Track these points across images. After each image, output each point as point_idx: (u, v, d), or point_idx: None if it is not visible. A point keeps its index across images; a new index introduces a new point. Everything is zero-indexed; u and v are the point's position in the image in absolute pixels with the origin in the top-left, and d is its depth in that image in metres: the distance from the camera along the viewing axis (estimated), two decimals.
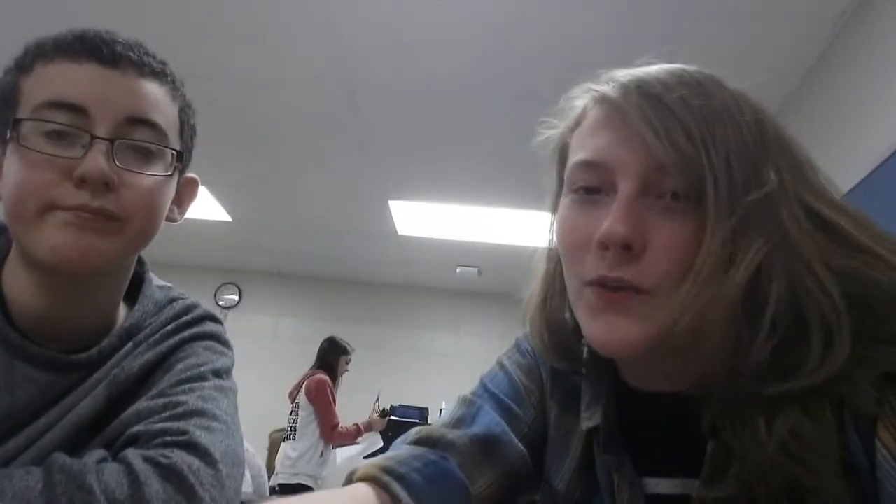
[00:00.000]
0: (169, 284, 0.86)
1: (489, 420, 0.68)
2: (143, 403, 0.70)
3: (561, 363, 0.69)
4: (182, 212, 0.82)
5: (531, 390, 0.72)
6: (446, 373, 5.81)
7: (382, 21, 2.62)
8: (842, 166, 2.17)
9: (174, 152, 0.73)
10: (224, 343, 0.83)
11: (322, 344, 4.49)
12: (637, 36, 2.44)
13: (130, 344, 0.76)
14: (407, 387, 5.56)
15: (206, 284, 6.24)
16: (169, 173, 0.73)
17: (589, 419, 0.64)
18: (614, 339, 0.55)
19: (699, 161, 0.52)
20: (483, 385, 0.74)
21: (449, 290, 6.21)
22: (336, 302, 6.39)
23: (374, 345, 6.16)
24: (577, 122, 0.63)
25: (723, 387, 0.53)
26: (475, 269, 5.55)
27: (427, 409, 5.02)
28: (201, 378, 0.74)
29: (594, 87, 0.61)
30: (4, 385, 0.67)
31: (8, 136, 0.68)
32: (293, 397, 4.27)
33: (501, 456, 0.66)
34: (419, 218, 4.61)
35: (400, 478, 0.59)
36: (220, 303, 6.31)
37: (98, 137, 0.66)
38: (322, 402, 4.09)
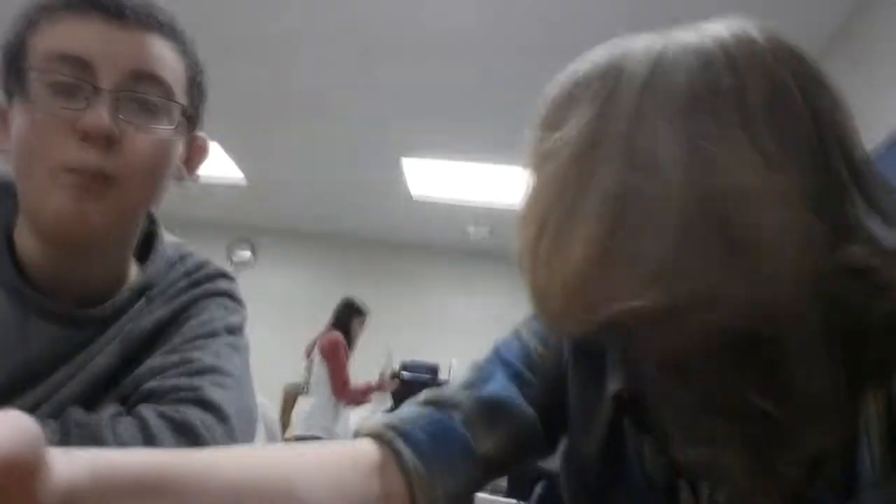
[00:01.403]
0: (180, 240, 0.86)
1: (498, 385, 0.68)
2: (156, 360, 0.71)
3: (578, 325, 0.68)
4: (191, 172, 0.80)
5: (546, 357, 0.71)
6: (457, 332, 5.86)
7: None
8: None
9: (181, 107, 0.72)
10: (237, 300, 0.83)
11: (339, 304, 4.53)
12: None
13: (143, 300, 0.76)
14: (418, 346, 5.61)
15: (218, 241, 6.27)
16: (174, 128, 0.72)
17: (613, 384, 0.63)
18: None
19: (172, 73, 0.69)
20: (496, 351, 0.73)
21: (461, 250, 6.21)
22: (348, 261, 6.41)
23: (386, 304, 6.19)
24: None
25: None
26: (487, 230, 5.54)
27: (438, 365, 5.06)
28: (214, 334, 0.75)
29: None
30: (20, 339, 0.68)
31: (15, 88, 0.68)
32: (308, 354, 4.33)
33: (508, 419, 0.66)
34: (431, 178, 4.59)
35: (403, 434, 0.60)
36: (234, 259, 6.34)
37: (102, 90, 0.66)
38: (335, 360, 4.15)
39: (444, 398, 0.66)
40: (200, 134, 0.80)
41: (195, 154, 0.80)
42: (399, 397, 4.40)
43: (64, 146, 0.65)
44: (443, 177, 4.56)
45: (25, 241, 0.71)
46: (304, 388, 4.22)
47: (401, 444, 0.58)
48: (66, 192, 0.64)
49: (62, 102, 0.65)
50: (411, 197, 5.01)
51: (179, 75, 0.73)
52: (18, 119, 0.67)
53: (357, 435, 0.62)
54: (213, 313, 0.77)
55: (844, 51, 2.44)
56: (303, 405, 4.15)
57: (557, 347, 0.71)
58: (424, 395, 0.67)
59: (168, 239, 0.84)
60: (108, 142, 0.65)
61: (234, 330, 0.78)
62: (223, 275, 0.84)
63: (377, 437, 0.60)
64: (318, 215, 5.94)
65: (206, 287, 0.80)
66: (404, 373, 4.84)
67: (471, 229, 5.61)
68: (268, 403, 2.74)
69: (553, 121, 0.54)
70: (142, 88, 0.69)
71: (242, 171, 4.89)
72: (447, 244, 6.17)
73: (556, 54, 0.66)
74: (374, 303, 6.18)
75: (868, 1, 2.21)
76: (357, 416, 4.30)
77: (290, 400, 4.49)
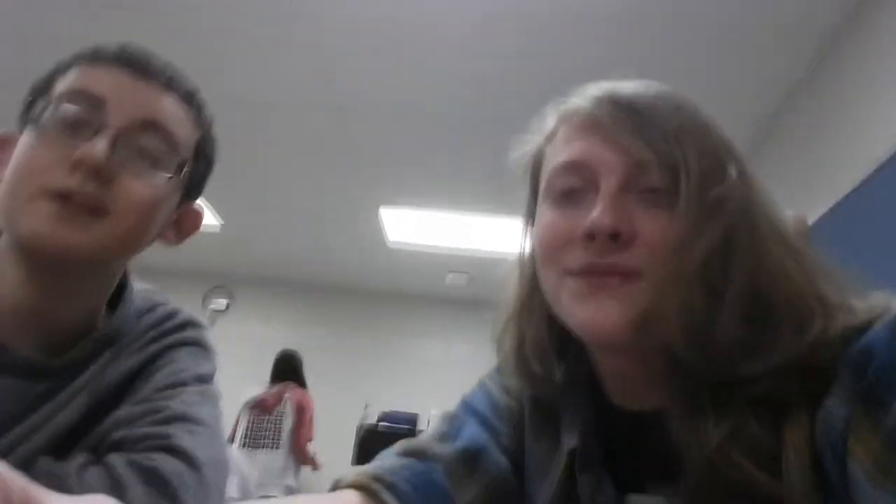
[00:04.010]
0: (150, 287, 0.85)
1: (472, 433, 0.69)
2: (125, 410, 0.69)
3: (533, 386, 0.69)
4: (179, 238, 0.80)
5: (511, 408, 0.73)
6: (437, 381, 5.79)
7: (370, 42, 2.63)
8: (827, 181, 2.20)
9: (181, 163, 0.72)
10: (207, 348, 0.82)
11: (295, 358, 4.50)
12: (633, 59, 2.47)
13: (111, 351, 0.74)
14: (397, 394, 5.55)
15: (195, 289, 6.20)
16: (170, 177, 0.71)
17: (569, 440, 0.64)
18: (604, 321, 0.56)
19: (676, 159, 0.56)
20: (465, 402, 0.75)
21: (439, 297, 6.20)
22: (325, 309, 6.37)
23: (364, 352, 6.14)
24: (552, 135, 0.65)
25: (696, 373, 0.54)
26: (465, 277, 5.55)
27: (417, 415, 5.01)
28: (183, 383, 0.74)
29: (566, 102, 0.64)
30: None
31: (27, 118, 0.69)
32: (271, 409, 4.23)
33: (485, 468, 0.67)
34: (409, 226, 4.61)
35: (390, 486, 0.59)
36: (211, 307, 6.27)
37: (108, 127, 0.66)
38: (307, 417, 4.19)
39: (422, 449, 0.66)
40: (197, 205, 0.80)
41: (187, 221, 0.80)
42: (380, 447, 4.33)
43: (52, 171, 0.64)
44: (420, 225, 4.58)
45: (3, 270, 0.69)
46: (271, 442, 4.12)
47: (388, 497, 0.58)
48: (47, 217, 0.63)
49: (66, 133, 0.66)
50: (388, 244, 5.02)
51: (188, 137, 0.74)
52: (21, 143, 0.68)
53: (338, 486, 0.61)
54: (183, 363, 0.77)
55: (844, 54, 2.48)
56: (271, 460, 4.05)
57: (518, 398, 0.73)
58: (402, 445, 0.67)
59: (139, 287, 0.83)
60: (99, 176, 0.65)
61: (205, 378, 0.78)
62: (192, 323, 0.83)
63: (363, 488, 0.59)
64: (294, 262, 5.91)
65: (176, 336, 0.79)
66: (382, 424, 4.79)
67: (449, 277, 5.61)
68: (242, 457, 2.68)
69: None
70: (147, 137, 0.69)
71: (219, 217, 4.88)
72: (425, 292, 6.16)
73: (529, 106, 0.68)
74: (351, 351, 6.14)
75: (867, 5, 2.27)
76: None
77: None
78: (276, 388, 4.32)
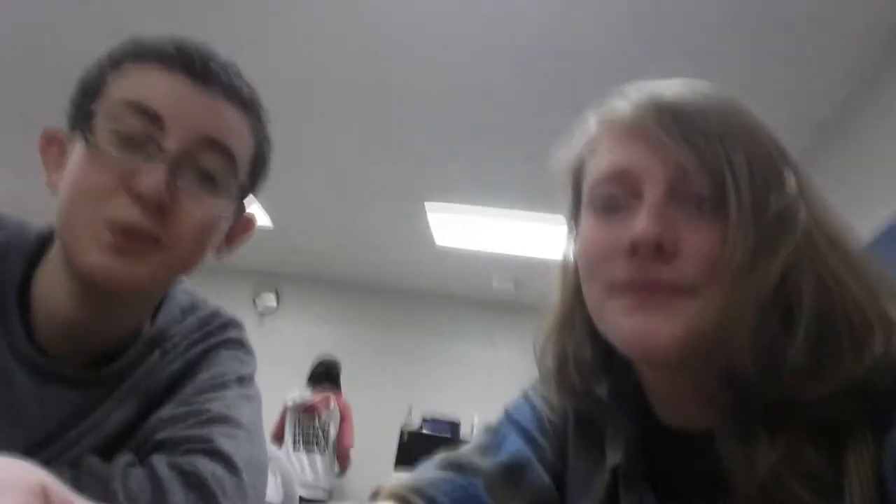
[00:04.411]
0: (189, 286, 0.85)
1: (515, 448, 0.67)
2: (168, 411, 0.70)
3: (576, 402, 0.67)
4: (231, 249, 0.79)
5: (555, 424, 0.71)
6: (480, 385, 5.78)
7: (416, 21, 2.63)
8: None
9: (241, 184, 0.71)
10: (247, 350, 0.83)
11: (338, 365, 4.66)
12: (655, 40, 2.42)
13: (157, 353, 0.75)
14: (440, 398, 5.55)
15: (244, 288, 6.32)
16: (230, 207, 0.71)
17: (613, 457, 0.63)
18: (652, 337, 0.53)
19: (721, 164, 0.53)
20: (507, 414, 0.73)
21: (485, 301, 6.18)
22: (372, 309, 6.41)
23: (409, 354, 6.16)
24: (594, 141, 0.62)
25: (754, 394, 0.51)
26: (511, 283, 5.52)
27: (459, 423, 4.99)
28: (225, 386, 0.74)
29: (607, 106, 0.62)
30: (37, 406, 0.68)
31: (80, 124, 0.67)
32: (316, 411, 4.35)
33: (528, 485, 0.65)
34: (457, 229, 4.61)
35: (429, 500, 0.59)
36: (259, 307, 6.38)
37: (166, 152, 0.64)
38: (350, 422, 4.38)
39: (464, 462, 0.65)
40: (249, 212, 0.79)
41: (240, 230, 0.79)
42: (420, 452, 4.40)
43: (113, 201, 0.63)
44: (468, 227, 4.57)
45: (54, 285, 0.69)
46: (321, 447, 4.24)
47: None
48: (105, 250, 0.63)
49: (123, 154, 0.64)
50: (435, 245, 5.02)
51: (247, 150, 0.72)
52: (76, 158, 0.66)
53: (376, 497, 0.60)
54: (225, 365, 0.77)
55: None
56: (319, 463, 4.17)
57: (562, 413, 0.71)
58: (443, 457, 0.66)
59: (179, 284, 0.83)
60: (159, 210, 0.63)
61: (246, 380, 0.78)
62: (234, 324, 0.84)
63: (402, 500, 0.59)
64: (342, 262, 5.97)
65: (219, 337, 0.80)
66: (425, 429, 4.82)
67: (496, 281, 5.59)
68: (283, 456, 2.73)
69: None
70: (207, 158, 0.67)
71: (270, 216, 4.96)
72: (471, 295, 6.15)
73: (577, 100, 0.66)
74: (395, 352, 6.16)
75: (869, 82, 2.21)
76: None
77: None
78: (323, 394, 4.46)
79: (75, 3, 2.77)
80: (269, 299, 6.46)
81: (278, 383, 5.47)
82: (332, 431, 4.31)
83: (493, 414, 0.75)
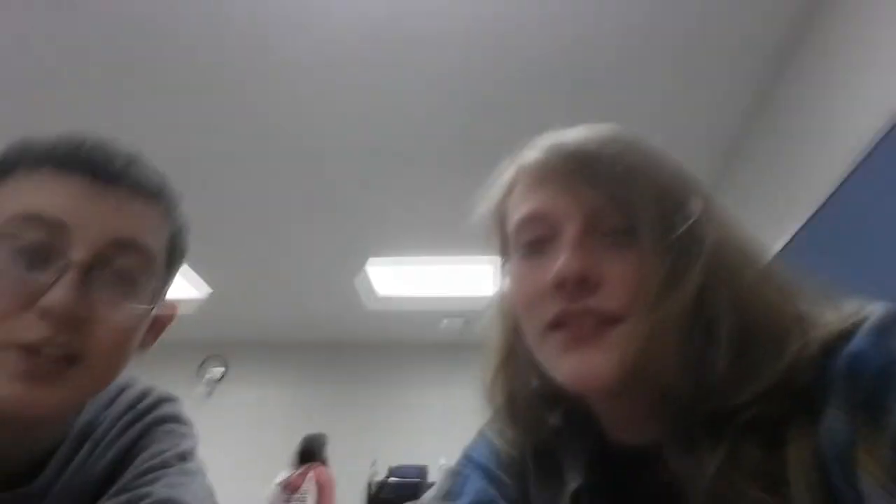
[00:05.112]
0: None
1: (477, 487, 0.68)
2: (107, 501, 0.65)
3: (529, 434, 0.69)
4: (153, 340, 0.72)
5: (513, 457, 0.71)
6: (441, 427, 5.70)
7: (342, 82, 2.66)
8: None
9: (159, 279, 0.67)
10: (184, 423, 0.78)
11: (316, 440, 4.90)
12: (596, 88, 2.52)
13: (87, 446, 0.70)
14: (404, 445, 5.47)
15: (189, 360, 6.13)
16: (150, 307, 0.65)
17: (572, 481, 0.64)
18: (590, 372, 0.55)
19: (628, 199, 0.57)
20: (466, 455, 0.74)
21: (436, 343, 6.16)
22: (322, 367, 6.30)
23: (367, 407, 6.05)
24: (510, 190, 0.65)
25: (690, 406, 0.54)
26: (460, 320, 5.52)
27: (426, 466, 4.92)
28: (165, 465, 0.70)
29: (520, 155, 0.65)
30: None
31: None
32: (294, 488, 4.58)
33: None
34: (397, 275, 4.62)
35: None
36: (207, 376, 6.19)
37: (74, 260, 0.58)
38: (331, 495, 4.55)
39: None
40: (169, 300, 0.74)
41: (163, 322, 0.73)
42: (392, 501, 4.48)
43: (19, 320, 0.57)
44: (408, 273, 4.59)
45: None
46: None
47: None
48: (14, 378, 0.56)
49: (27, 271, 0.58)
50: (378, 297, 5.01)
51: (161, 242, 0.67)
52: None
53: None
54: (162, 443, 0.73)
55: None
56: None
57: (519, 445, 0.71)
58: None
59: None
60: (69, 324, 0.58)
61: (187, 456, 0.74)
62: (166, 399, 0.79)
63: None
64: (287, 323, 5.87)
65: (154, 415, 0.75)
66: (393, 479, 4.82)
67: (444, 322, 5.59)
68: None
69: None
70: (120, 259, 0.62)
71: (209, 283, 4.86)
72: (421, 340, 6.12)
73: (511, 138, 0.69)
74: (351, 407, 6.05)
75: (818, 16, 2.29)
76: None
77: None
78: (301, 469, 4.70)
79: None
80: (216, 369, 6.27)
81: (231, 450, 5.31)
82: (310, 502, 4.47)
83: (459, 453, 0.75)
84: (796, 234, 2.24)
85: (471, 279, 4.52)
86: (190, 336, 6.06)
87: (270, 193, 3.60)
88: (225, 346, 6.31)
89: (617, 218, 0.57)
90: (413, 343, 6.21)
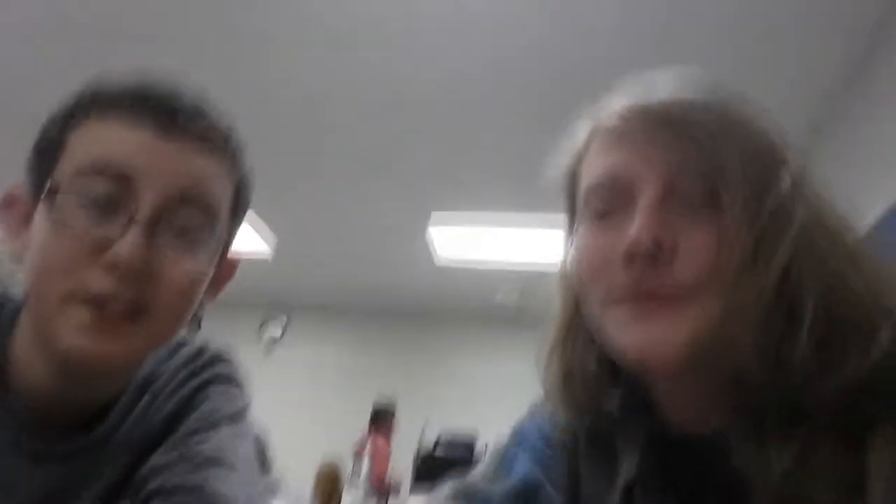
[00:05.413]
0: None
1: (525, 471, 0.65)
2: (159, 457, 0.67)
3: (584, 416, 0.65)
4: (214, 294, 0.72)
5: (564, 441, 0.69)
6: (491, 400, 5.74)
7: (414, 26, 2.64)
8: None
9: (221, 235, 0.67)
10: (238, 384, 0.79)
11: (382, 408, 5.12)
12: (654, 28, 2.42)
13: (147, 398, 0.72)
14: (452, 416, 5.52)
15: (249, 320, 6.31)
16: (213, 262, 0.66)
17: (627, 470, 0.61)
18: (654, 348, 0.52)
19: (713, 165, 0.52)
20: (515, 435, 0.71)
21: (491, 316, 6.17)
22: (378, 333, 6.40)
23: (418, 375, 6.13)
24: (584, 150, 0.61)
25: (762, 396, 0.50)
26: (516, 295, 5.51)
27: (474, 442, 4.97)
28: (215, 426, 0.71)
29: (597, 111, 0.60)
30: (26, 483, 0.65)
31: (43, 194, 0.61)
32: (361, 454, 4.85)
33: None
34: (459, 244, 4.61)
35: None
36: (265, 338, 6.37)
37: (139, 214, 0.59)
38: (382, 458, 4.75)
39: (473, 490, 0.63)
40: (233, 257, 0.74)
41: (224, 277, 0.73)
42: (436, 476, 4.54)
43: (83, 270, 0.58)
44: (470, 241, 4.56)
45: (31, 358, 0.65)
46: (358, 483, 4.66)
47: None
48: (81, 330, 0.58)
49: (94, 221, 0.59)
50: (437, 263, 5.01)
51: (226, 197, 0.67)
52: (41, 226, 0.60)
53: None
54: (215, 403, 0.73)
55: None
56: (360, 499, 4.55)
57: (571, 428, 0.68)
58: (453, 486, 0.64)
59: None
60: (137, 277, 0.58)
61: (238, 417, 0.74)
62: (222, 358, 0.79)
63: None
64: (346, 287, 5.96)
65: (208, 373, 0.76)
66: (442, 443, 4.90)
67: (500, 294, 5.58)
68: (301, 490, 2.71)
69: None
70: (184, 214, 0.62)
71: (271, 246, 4.96)
72: (478, 310, 6.14)
73: (573, 97, 0.65)
74: (405, 372, 6.14)
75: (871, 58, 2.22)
76: None
77: (325, 480, 4.59)
78: (369, 435, 4.95)
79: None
80: (275, 329, 6.44)
81: (287, 412, 5.47)
82: (367, 468, 4.64)
83: (508, 426, 0.73)
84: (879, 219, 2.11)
85: (534, 248, 4.48)
86: (251, 297, 6.24)
87: (336, 149, 3.58)
88: (285, 309, 6.48)
89: (699, 184, 0.52)
90: (468, 314, 6.23)
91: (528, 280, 5.04)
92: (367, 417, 5.10)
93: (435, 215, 4.16)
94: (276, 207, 4.19)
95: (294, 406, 5.78)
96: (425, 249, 4.73)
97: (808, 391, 0.49)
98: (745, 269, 0.50)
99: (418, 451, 5.11)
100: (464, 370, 6.21)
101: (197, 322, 0.78)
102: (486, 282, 5.35)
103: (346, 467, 4.54)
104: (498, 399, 5.67)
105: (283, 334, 6.45)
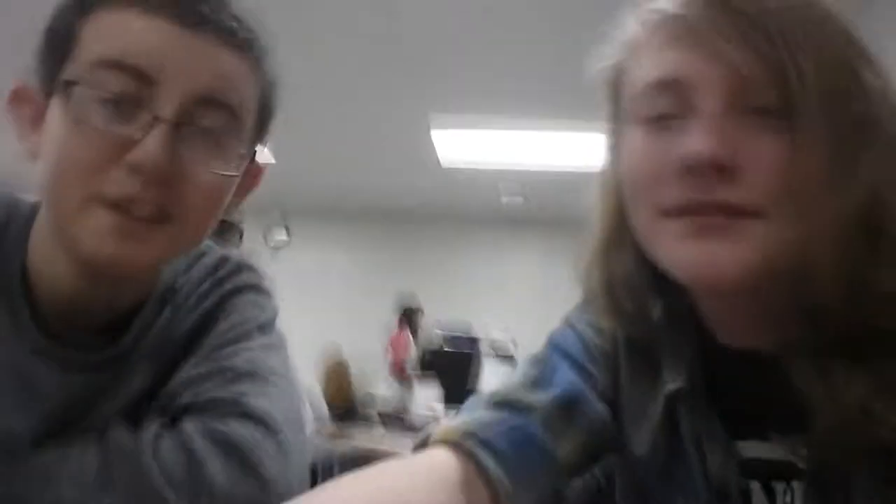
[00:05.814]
0: None
1: (567, 381, 0.62)
2: (188, 370, 0.65)
3: (627, 325, 0.63)
4: (239, 200, 0.69)
5: (604, 350, 0.66)
6: (493, 302, 5.85)
7: None
8: None
9: (247, 139, 0.63)
10: (265, 293, 0.76)
11: (406, 305, 5.44)
12: None
13: (168, 310, 0.70)
14: (454, 315, 5.64)
15: (254, 225, 6.31)
16: (238, 170, 0.62)
17: (672, 381, 0.59)
18: (714, 267, 0.48)
19: (787, 68, 0.46)
20: (554, 344, 0.68)
21: (494, 218, 6.18)
22: (382, 235, 6.45)
23: (421, 276, 6.21)
24: (636, 47, 0.54)
25: (834, 322, 0.47)
26: (520, 198, 5.49)
27: (478, 339, 5.07)
28: (246, 337, 0.68)
29: (650, 3, 0.54)
30: (51, 391, 0.63)
31: (57, 89, 0.57)
32: (386, 349, 5.30)
33: (584, 418, 0.61)
34: (462, 145, 4.55)
35: (484, 443, 0.53)
36: (270, 242, 6.40)
37: (161, 114, 0.55)
38: (400, 348, 5.17)
39: (514, 399, 0.60)
40: (258, 164, 0.70)
41: (249, 184, 0.69)
42: (443, 369, 4.59)
43: (104, 171, 0.55)
44: (474, 143, 4.50)
45: (49, 261, 0.62)
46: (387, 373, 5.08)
47: (484, 456, 0.53)
48: (105, 235, 0.56)
49: (112, 121, 0.55)
50: (441, 165, 4.97)
51: (252, 101, 0.63)
52: (56, 125, 0.57)
53: (430, 442, 0.56)
54: (243, 313, 0.71)
55: None
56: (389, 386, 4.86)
57: (611, 338, 0.66)
58: (492, 395, 0.61)
59: None
60: (160, 181, 0.56)
61: (267, 327, 0.72)
62: (246, 267, 0.76)
63: (455, 446, 0.54)
64: (348, 189, 5.94)
65: (232, 284, 0.73)
66: (446, 349, 4.96)
67: (504, 196, 5.57)
68: (312, 387, 2.78)
69: None
70: (207, 116, 0.58)
71: (272, 150, 4.91)
72: (481, 212, 6.14)
73: (595, 9, 0.60)
74: (407, 274, 6.22)
75: None
76: None
77: (333, 375, 4.63)
78: (397, 331, 5.31)
79: None
80: (280, 233, 6.46)
81: (293, 317, 5.55)
82: (389, 358, 5.10)
83: (505, 327, 0.72)
84: None
85: (534, 152, 4.43)
86: (254, 202, 6.22)
87: (335, 47, 3.47)
88: (288, 213, 6.48)
89: (769, 91, 0.47)
90: (472, 216, 6.25)
91: (529, 182, 5.02)
92: (373, 316, 5.41)
93: (435, 117, 4.09)
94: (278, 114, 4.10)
95: (301, 308, 5.90)
96: (429, 151, 4.68)
97: (884, 319, 0.46)
98: (823, 190, 0.46)
99: (422, 351, 5.25)
100: (461, 272, 6.30)
101: (239, 234, 0.76)
102: (489, 183, 5.33)
103: (356, 363, 4.55)
104: (497, 301, 5.79)
105: (288, 238, 6.48)
